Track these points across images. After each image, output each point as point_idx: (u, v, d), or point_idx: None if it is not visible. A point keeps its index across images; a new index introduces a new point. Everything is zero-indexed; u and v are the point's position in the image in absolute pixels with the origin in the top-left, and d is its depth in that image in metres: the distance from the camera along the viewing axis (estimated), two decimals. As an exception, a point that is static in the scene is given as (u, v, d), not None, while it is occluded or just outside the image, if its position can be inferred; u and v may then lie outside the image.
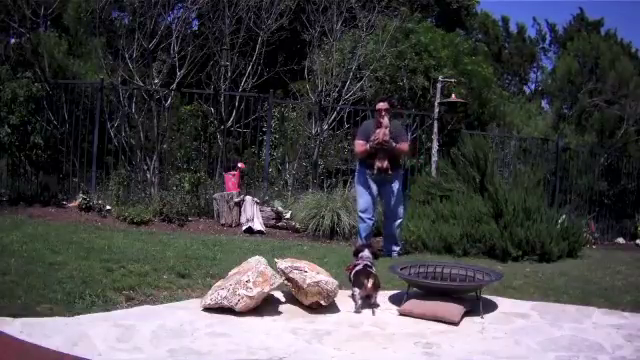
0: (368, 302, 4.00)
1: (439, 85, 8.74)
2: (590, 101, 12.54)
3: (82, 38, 10.96)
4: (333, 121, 9.09)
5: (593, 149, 11.06)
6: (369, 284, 3.92)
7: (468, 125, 10.89)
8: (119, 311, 3.67)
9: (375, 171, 5.79)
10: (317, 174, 8.91)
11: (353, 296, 3.99)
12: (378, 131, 5.74)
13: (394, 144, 5.74)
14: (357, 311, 3.91)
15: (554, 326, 3.82)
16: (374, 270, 4.06)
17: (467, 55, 11.81)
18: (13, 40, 9.69)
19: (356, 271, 4.05)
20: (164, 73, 8.62)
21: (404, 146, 5.93)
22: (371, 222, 6.00)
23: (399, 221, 6.05)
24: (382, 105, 5.85)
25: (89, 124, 8.47)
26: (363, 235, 5.96)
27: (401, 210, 6.08)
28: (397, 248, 6.02)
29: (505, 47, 22.26)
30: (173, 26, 8.77)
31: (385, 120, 5.76)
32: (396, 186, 5.96)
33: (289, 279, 3.95)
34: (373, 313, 3.94)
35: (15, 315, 3.31)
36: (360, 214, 6.02)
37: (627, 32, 31.94)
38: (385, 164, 5.75)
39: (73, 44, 11.29)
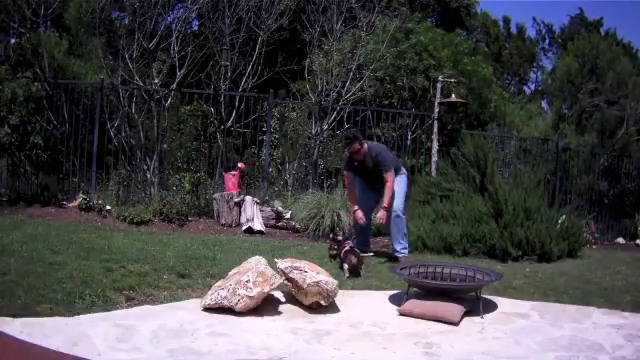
0: (357, 274, 4.92)
1: (439, 85, 8.74)
2: (590, 101, 12.54)
3: (83, 38, 10.95)
4: (333, 121, 9.08)
5: (593, 149, 11.05)
6: (354, 260, 4.93)
7: (468, 125, 10.88)
8: (119, 311, 3.67)
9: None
10: (317, 174, 8.91)
11: (342, 268, 5.02)
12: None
13: (383, 218, 5.62)
14: (349, 277, 4.87)
15: (554, 326, 3.82)
16: (358, 250, 5.15)
17: (467, 55, 11.81)
18: (13, 40, 9.67)
19: (345, 250, 5.09)
20: (164, 73, 8.61)
21: (387, 192, 5.54)
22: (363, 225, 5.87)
23: (394, 214, 5.61)
24: (352, 148, 5.62)
25: (89, 124, 8.47)
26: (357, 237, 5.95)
27: (397, 204, 5.62)
28: (398, 247, 5.70)
29: (505, 47, 22.30)
30: (173, 26, 8.76)
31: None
32: (396, 181, 5.66)
33: (289, 279, 3.95)
34: (364, 278, 4.90)
35: (15, 315, 3.31)
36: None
37: (626, 32, 31.95)
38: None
39: (74, 44, 11.28)
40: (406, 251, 5.79)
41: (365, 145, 5.65)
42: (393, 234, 5.75)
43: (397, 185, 5.66)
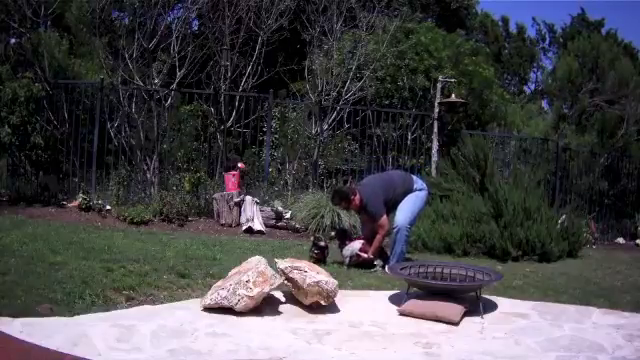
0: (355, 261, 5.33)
1: (439, 85, 8.75)
2: (590, 101, 12.54)
3: (83, 38, 10.96)
4: (333, 121, 9.09)
5: (593, 149, 11.06)
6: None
7: (468, 125, 10.90)
8: (119, 311, 3.66)
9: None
10: (317, 174, 8.91)
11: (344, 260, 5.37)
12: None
13: (369, 256, 5.31)
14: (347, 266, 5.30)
15: (554, 326, 3.82)
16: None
17: (468, 56, 11.81)
18: (13, 40, 9.69)
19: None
20: (164, 73, 8.62)
21: (376, 240, 5.25)
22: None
23: (394, 229, 5.29)
24: (340, 206, 5.59)
25: (89, 124, 8.47)
26: None
27: (399, 217, 5.29)
28: (392, 262, 5.22)
29: (505, 47, 22.31)
30: (173, 26, 8.77)
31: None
32: (404, 199, 5.35)
33: (289, 279, 3.95)
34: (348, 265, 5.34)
35: (15, 315, 3.30)
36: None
37: (628, 32, 31.99)
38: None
39: (74, 44, 11.29)
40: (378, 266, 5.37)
41: (356, 197, 5.31)
42: (390, 245, 5.43)
43: (405, 202, 5.34)
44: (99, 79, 8.53)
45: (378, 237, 5.27)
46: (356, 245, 5.38)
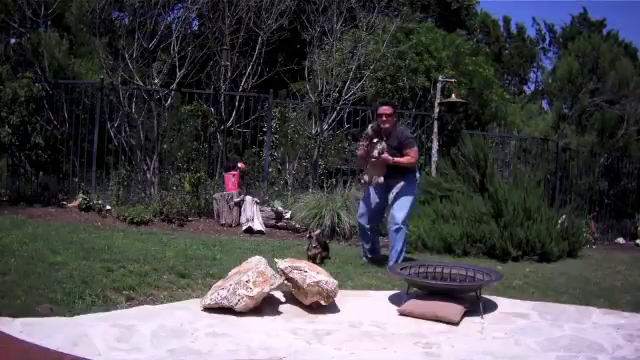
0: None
1: (439, 85, 8.75)
2: (591, 101, 12.54)
3: (83, 38, 10.96)
4: (333, 121, 9.09)
5: (593, 149, 11.06)
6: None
7: (468, 125, 10.89)
8: (119, 311, 3.66)
9: (363, 182, 5.52)
10: (317, 174, 8.91)
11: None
12: (375, 149, 5.25)
13: (391, 159, 5.22)
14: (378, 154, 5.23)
15: (554, 326, 3.83)
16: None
17: (468, 56, 11.81)
18: (13, 40, 9.69)
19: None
20: (164, 73, 8.62)
21: (405, 158, 5.27)
22: (366, 227, 5.52)
23: (395, 227, 5.25)
24: (384, 110, 5.30)
25: (89, 124, 8.47)
26: (361, 240, 5.74)
27: (399, 215, 5.25)
28: (390, 263, 5.22)
29: (505, 47, 22.30)
30: (173, 26, 8.77)
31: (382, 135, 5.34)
32: (396, 190, 5.30)
33: (289, 279, 3.95)
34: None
35: (15, 315, 3.31)
36: (357, 219, 5.77)
37: (629, 32, 31.99)
38: (375, 178, 5.33)
39: (74, 44, 11.29)
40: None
41: (395, 121, 5.41)
42: (390, 246, 5.39)
43: (404, 194, 5.28)
44: (99, 79, 8.52)
45: (407, 157, 5.28)
46: (385, 145, 5.29)
